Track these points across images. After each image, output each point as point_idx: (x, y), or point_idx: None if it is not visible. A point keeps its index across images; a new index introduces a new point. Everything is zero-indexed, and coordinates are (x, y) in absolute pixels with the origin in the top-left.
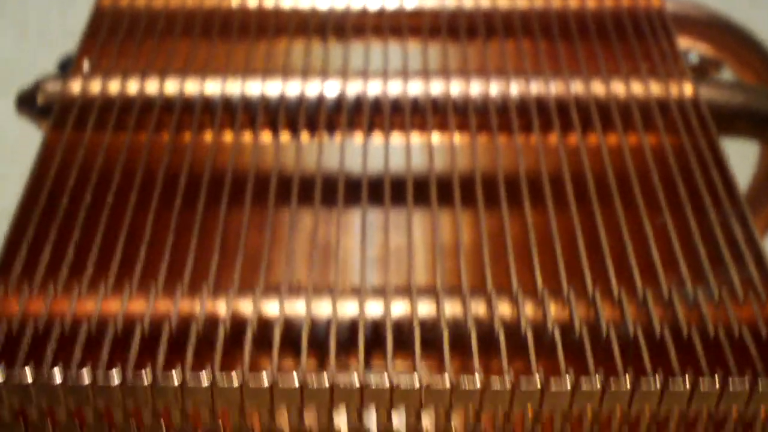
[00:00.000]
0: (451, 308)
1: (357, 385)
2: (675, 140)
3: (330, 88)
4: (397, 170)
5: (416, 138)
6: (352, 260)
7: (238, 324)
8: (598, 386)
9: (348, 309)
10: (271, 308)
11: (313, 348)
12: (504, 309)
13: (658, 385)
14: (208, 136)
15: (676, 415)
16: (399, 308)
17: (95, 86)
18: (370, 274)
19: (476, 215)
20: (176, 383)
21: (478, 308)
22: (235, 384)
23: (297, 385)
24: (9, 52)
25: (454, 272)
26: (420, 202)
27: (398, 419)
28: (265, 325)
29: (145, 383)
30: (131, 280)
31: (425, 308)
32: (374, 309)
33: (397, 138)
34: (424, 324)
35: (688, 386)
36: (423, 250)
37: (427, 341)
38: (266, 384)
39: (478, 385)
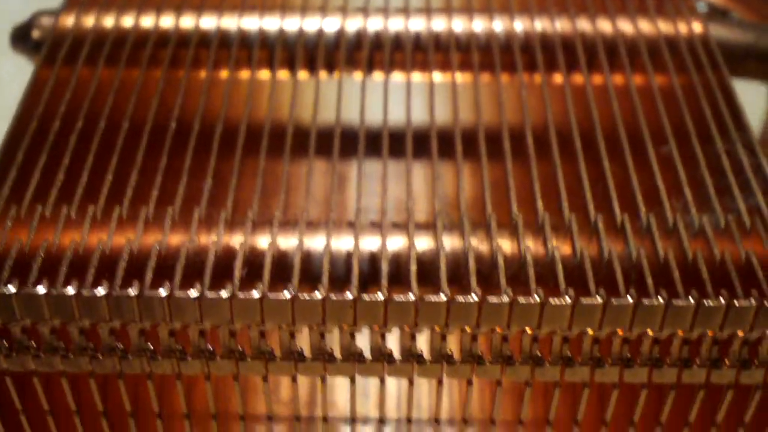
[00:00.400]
0: (450, 239)
1: (351, 297)
2: (684, 79)
3: (329, 24)
4: (397, 109)
5: (417, 77)
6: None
7: (228, 252)
8: (599, 301)
9: (343, 242)
10: (263, 240)
11: (307, 280)
12: (503, 236)
13: (661, 301)
14: (203, 72)
15: (679, 340)
16: (396, 242)
17: (88, 21)
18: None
19: (478, 156)
20: (163, 295)
21: (477, 236)
22: (224, 296)
23: (288, 297)
24: (15, 9)
25: (454, 200)
26: (420, 143)
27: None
28: (257, 255)
29: (132, 294)
30: (121, 206)
31: (423, 241)
32: (371, 243)
33: (397, 76)
34: (421, 256)
35: (691, 302)
36: (424, 180)
37: (423, 273)
38: (256, 296)
39: (475, 299)
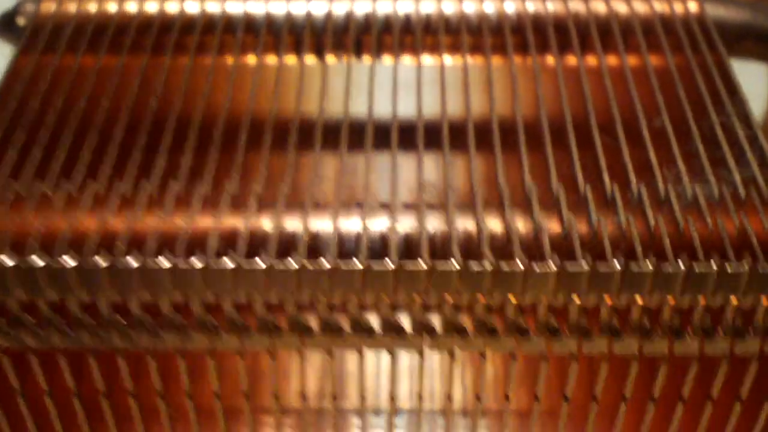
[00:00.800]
0: (435, 217)
1: (327, 266)
2: (680, 59)
3: (316, 7)
4: (384, 94)
5: (407, 60)
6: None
7: (204, 226)
8: (584, 267)
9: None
10: (240, 215)
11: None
12: (490, 210)
13: (650, 266)
14: (185, 59)
15: (670, 308)
16: (380, 221)
17: (71, 6)
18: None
19: (466, 134)
20: (135, 265)
21: (463, 212)
22: (198, 266)
23: (262, 266)
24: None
25: (440, 177)
26: (406, 130)
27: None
28: (233, 230)
29: (102, 265)
30: (97, 182)
31: (407, 222)
32: (352, 222)
33: (387, 59)
34: (406, 232)
35: (681, 267)
36: (412, 163)
37: (409, 248)
38: (230, 266)
39: (456, 266)
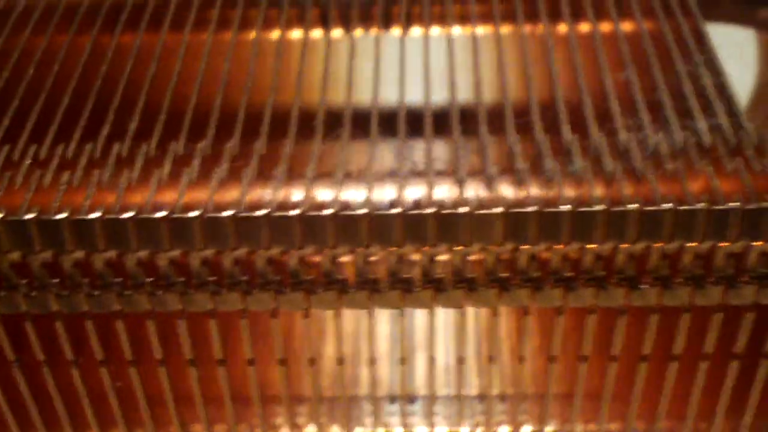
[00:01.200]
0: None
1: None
2: (653, 26)
3: None
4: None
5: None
6: None
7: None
8: (533, 208)
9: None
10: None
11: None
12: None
13: (602, 207)
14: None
15: (623, 254)
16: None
17: None
18: None
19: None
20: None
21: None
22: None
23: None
24: None
25: None
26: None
27: None
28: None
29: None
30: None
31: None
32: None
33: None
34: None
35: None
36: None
37: None
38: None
39: (397, 210)
